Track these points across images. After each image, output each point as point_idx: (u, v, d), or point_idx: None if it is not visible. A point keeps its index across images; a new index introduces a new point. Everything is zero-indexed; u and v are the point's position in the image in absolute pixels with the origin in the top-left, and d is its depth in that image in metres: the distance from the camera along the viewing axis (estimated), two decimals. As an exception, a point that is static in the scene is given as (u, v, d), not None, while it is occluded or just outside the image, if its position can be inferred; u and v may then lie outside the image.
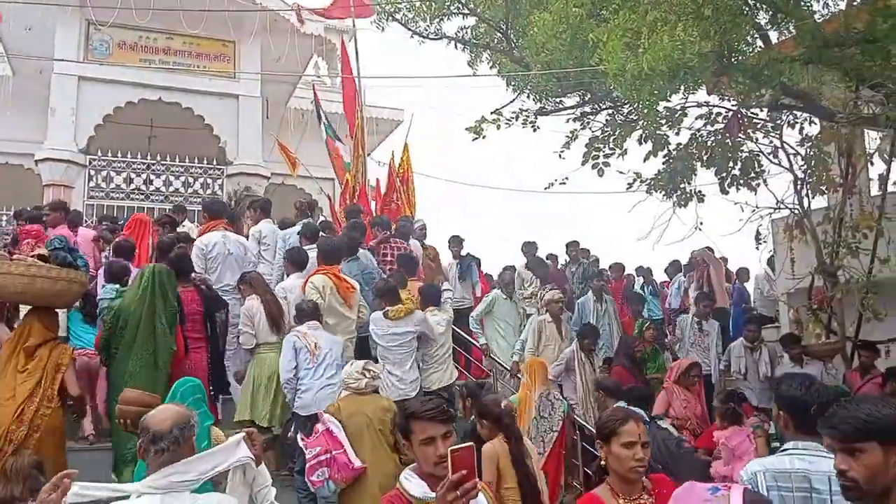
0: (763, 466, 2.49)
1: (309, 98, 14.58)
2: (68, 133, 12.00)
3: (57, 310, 4.92)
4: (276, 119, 14.80)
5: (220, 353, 5.55)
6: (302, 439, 4.39)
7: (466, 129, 7.90)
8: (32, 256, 4.71)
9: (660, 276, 11.15)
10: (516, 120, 7.89)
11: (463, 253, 8.98)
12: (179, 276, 5.23)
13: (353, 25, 11.34)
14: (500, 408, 4.36)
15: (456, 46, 7.84)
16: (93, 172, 12.19)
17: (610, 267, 10.30)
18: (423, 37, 7.72)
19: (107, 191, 12.17)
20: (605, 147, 7.45)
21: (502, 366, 7.47)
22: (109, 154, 12.22)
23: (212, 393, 5.15)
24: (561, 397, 5.66)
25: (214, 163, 12.90)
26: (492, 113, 7.81)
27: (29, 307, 4.93)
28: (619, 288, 9.87)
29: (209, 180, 12.83)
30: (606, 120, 7.70)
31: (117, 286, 5.57)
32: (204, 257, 6.13)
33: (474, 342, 7.89)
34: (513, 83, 7.79)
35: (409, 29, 7.68)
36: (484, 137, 7.96)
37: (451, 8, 7.42)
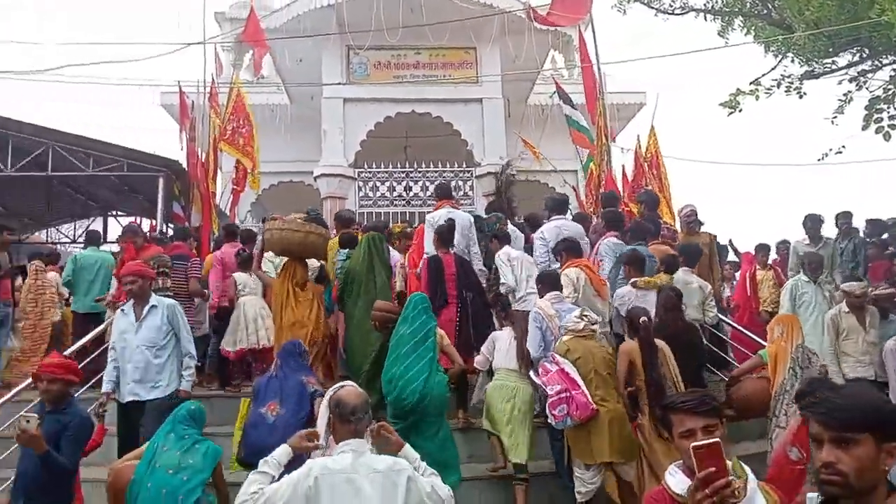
0: None
1: (547, 93, 14.77)
2: (338, 150, 13.40)
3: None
4: (518, 117, 15.18)
5: (471, 314, 6.12)
6: (539, 377, 4.80)
7: (721, 104, 7.49)
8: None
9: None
10: (778, 88, 7.29)
11: None
12: (442, 244, 6.37)
13: (591, 14, 11.22)
14: (638, 318, 4.91)
15: (705, 17, 7.42)
16: (361, 184, 13.42)
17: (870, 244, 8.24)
18: (668, 13, 7.42)
19: (374, 199, 13.34)
20: (889, 107, 6.59)
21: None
22: (374, 166, 13.41)
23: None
24: (815, 350, 5.26)
25: (464, 165, 13.55)
26: (750, 84, 7.31)
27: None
28: (879, 269, 7.86)
29: (460, 182, 13.49)
30: (890, 76, 6.78)
31: (348, 250, 6.67)
32: (432, 226, 6.86)
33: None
34: (773, 48, 7.19)
35: (653, 7, 7.44)
36: (740, 111, 7.51)
37: (698, -21, 7.04)
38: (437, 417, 4.75)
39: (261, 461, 2.87)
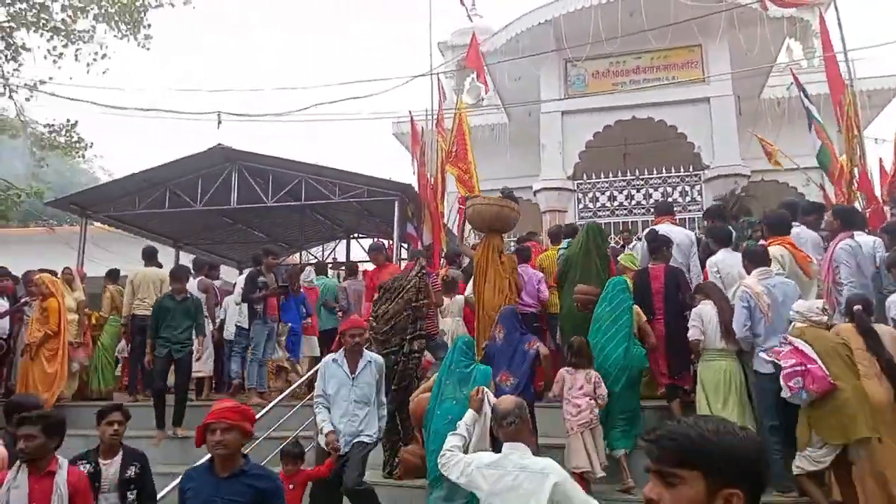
0: None
1: (784, 85, 13.60)
2: (557, 163, 13.45)
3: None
4: (750, 114, 14.14)
5: (676, 334, 5.84)
6: (774, 353, 4.69)
7: None
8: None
9: None
10: None
11: None
12: (651, 255, 6.36)
13: (833, -6, 10.16)
14: (853, 305, 4.84)
15: None
16: (580, 195, 13.35)
17: None
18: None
19: (594, 210, 13.17)
20: None
21: None
22: (593, 176, 13.25)
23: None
24: None
25: (691, 169, 12.87)
26: None
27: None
28: None
29: (687, 187, 12.85)
30: None
31: (569, 240, 7.46)
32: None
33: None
34: None
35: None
36: None
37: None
38: (634, 388, 5.46)
39: (458, 423, 3.95)
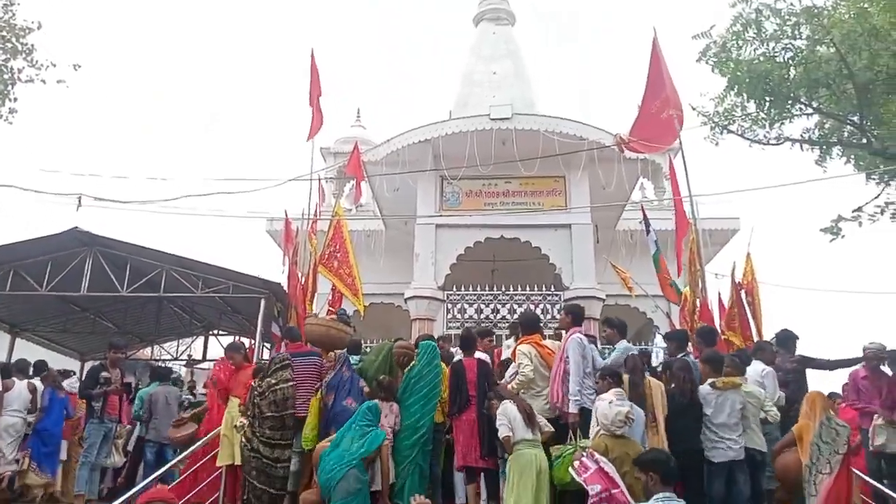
0: None
1: (636, 219, 14.85)
2: (429, 273, 13.78)
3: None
4: (606, 242, 15.27)
5: (487, 419, 6.24)
6: (578, 474, 4.94)
7: (822, 230, 7.38)
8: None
9: None
10: (882, 214, 7.14)
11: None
12: (465, 349, 6.95)
13: (680, 142, 11.41)
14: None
15: (801, 148, 7.44)
16: (449, 306, 13.67)
17: None
18: (764, 143, 7.48)
19: (461, 321, 13.46)
20: None
21: None
22: (462, 288, 13.65)
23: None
24: (844, 423, 5.41)
25: (552, 289, 13.59)
26: (853, 211, 7.19)
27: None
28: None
29: (548, 306, 13.48)
30: None
31: (359, 356, 7.90)
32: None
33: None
34: (874, 176, 7.10)
35: (747, 138, 7.53)
36: (843, 237, 7.40)
37: (793, 110, 7.12)
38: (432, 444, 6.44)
39: None
